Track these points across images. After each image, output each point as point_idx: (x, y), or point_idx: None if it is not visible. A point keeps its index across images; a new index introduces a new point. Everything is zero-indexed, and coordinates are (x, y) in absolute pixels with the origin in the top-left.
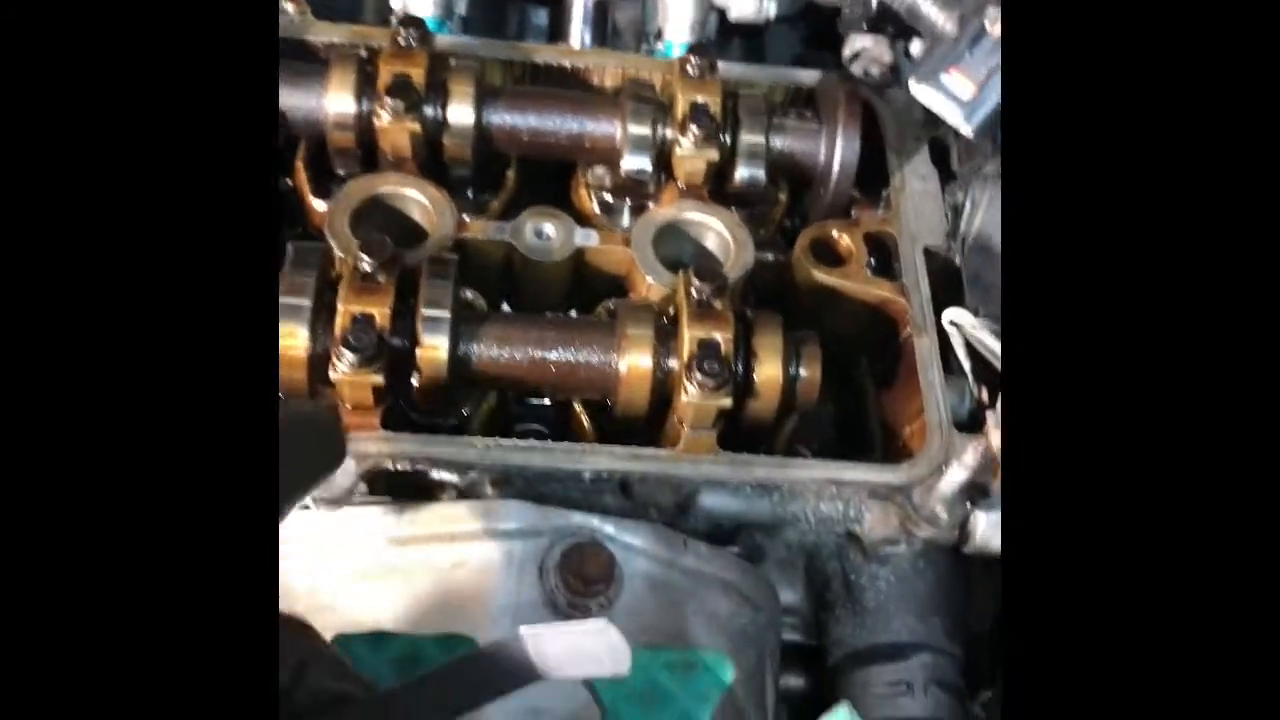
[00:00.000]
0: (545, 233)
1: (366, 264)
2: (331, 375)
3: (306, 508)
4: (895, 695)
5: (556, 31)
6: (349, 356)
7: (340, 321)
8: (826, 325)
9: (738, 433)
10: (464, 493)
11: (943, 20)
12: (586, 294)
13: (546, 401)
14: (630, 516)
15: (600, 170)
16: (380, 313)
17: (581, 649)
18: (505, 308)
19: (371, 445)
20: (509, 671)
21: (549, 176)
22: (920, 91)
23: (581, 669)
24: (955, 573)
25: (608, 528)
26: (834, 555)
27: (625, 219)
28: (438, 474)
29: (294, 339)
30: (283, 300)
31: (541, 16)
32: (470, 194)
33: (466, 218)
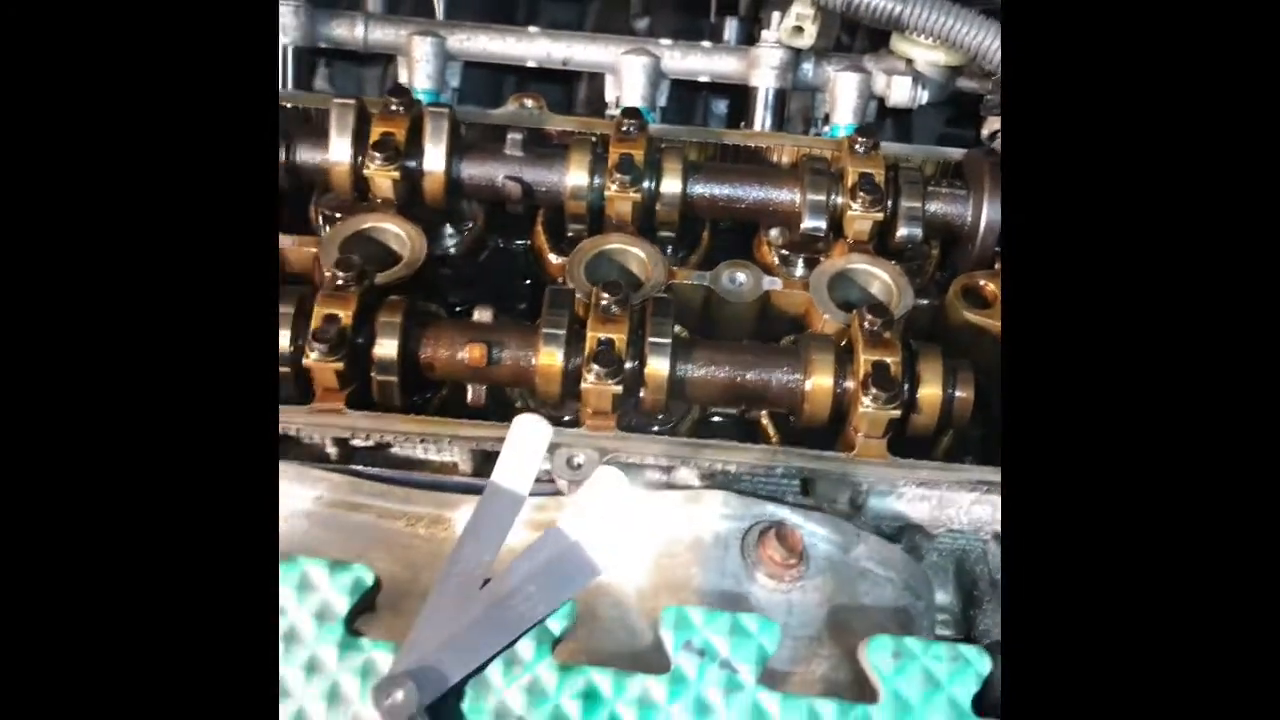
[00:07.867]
0: (739, 279)
1: (607, 300)
2: (582, 387)
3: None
4: None
5: (736, 116)
6: (597, 370)
7: (588, 346)
8: (975, 361)
9: (903, 445)
10: (672, 484)
11: None
12: (770, 330)
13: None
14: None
15: (776, 231)
16: (619, 339)
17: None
18: None
19: (609, 443)
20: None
21: (732, 235)
22: None
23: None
24: None
25: (795, 516)
26: (980, 559)
27: (799, 270)
28: (653, 470)
29: (552, 359)
30: (544, 330)
31: (721, 106)
32: (669, 250)
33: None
